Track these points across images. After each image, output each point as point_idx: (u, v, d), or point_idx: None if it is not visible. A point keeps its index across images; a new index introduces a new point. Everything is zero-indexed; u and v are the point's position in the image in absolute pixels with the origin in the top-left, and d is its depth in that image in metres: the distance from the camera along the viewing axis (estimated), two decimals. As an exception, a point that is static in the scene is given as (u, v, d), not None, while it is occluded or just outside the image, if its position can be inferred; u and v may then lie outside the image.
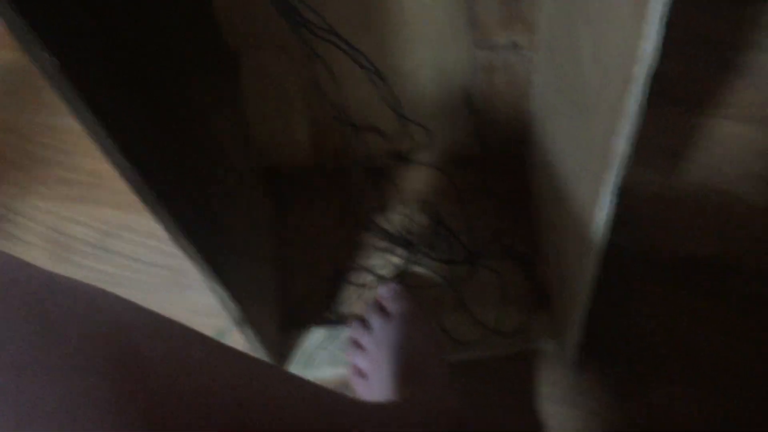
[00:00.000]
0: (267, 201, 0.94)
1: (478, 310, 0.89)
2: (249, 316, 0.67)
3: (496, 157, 1.03)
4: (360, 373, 0.81)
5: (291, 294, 0.92)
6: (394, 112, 0.58)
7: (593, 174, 0.56)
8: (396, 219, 0.98)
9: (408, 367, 0.74)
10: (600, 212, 0.55)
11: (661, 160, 1.06)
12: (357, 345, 0.83)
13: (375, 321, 0.83)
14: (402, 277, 0.93)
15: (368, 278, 0.93)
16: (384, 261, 0.95)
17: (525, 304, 0.89)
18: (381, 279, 0.93)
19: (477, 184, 1.02)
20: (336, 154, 0.87)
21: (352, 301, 0.92)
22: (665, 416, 0.82)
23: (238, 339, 0.73)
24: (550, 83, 0.72)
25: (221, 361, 0.33)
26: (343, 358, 0.86)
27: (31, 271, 0.26)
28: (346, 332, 0.87)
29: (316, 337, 0.89)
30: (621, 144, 0.46)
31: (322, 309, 0.91)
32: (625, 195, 1.00)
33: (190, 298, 0.95)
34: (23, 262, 0.26)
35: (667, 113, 1.12)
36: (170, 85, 0.58)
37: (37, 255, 1.01)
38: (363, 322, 0.85)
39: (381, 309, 0.85)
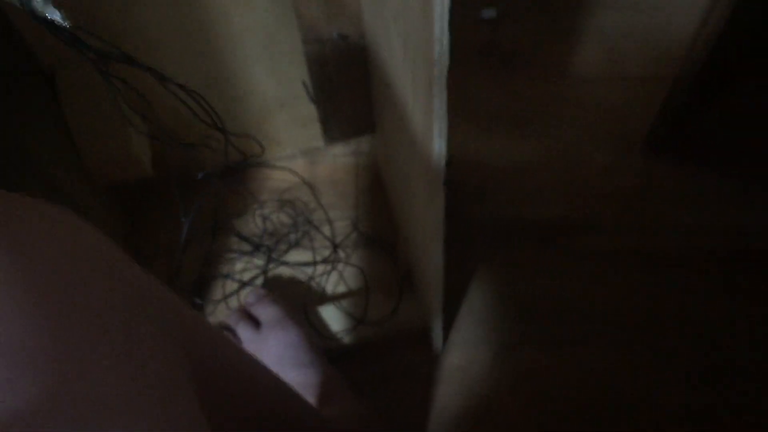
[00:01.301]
0: (115, 219, 0.90)
1: (345, 302, 0.89)
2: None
3: (343, 148, 1.04)
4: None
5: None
6: (215, 128, 0.56)
7: (423, 166, 0.56)
8: (254, 222, 0.97)
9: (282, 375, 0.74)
10: (437, 201, 0.56)
11: (508, 128, 1.09)
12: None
13: (244, 331, 0.81)
14: (266, 280, 0.92)
15: (233, 285, 0.91)
16: (247, 265, 0.93)
17: (390, 290, 0.89)
18: (245, 284, 0.91)
19: (328, 175, 1.02)
20: (179, 165, 0.84)
21: (218, 310, 0.89)
22: (535, 379, 0.86)
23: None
24: (377, 75, 0.72)
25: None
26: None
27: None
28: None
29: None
30: (436, 144, 0.46)
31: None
32: (476, 168, 1.05)
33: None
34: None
35: (511, 82, 1.16)
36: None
37: None
38: (232, 332, 0.83)
39: (248, 317, 0.83)
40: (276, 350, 0.77)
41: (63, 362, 0.22)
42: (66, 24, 0.42)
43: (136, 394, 0.24)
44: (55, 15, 0.41)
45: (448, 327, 0.89)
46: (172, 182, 0.61)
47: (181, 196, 0.80)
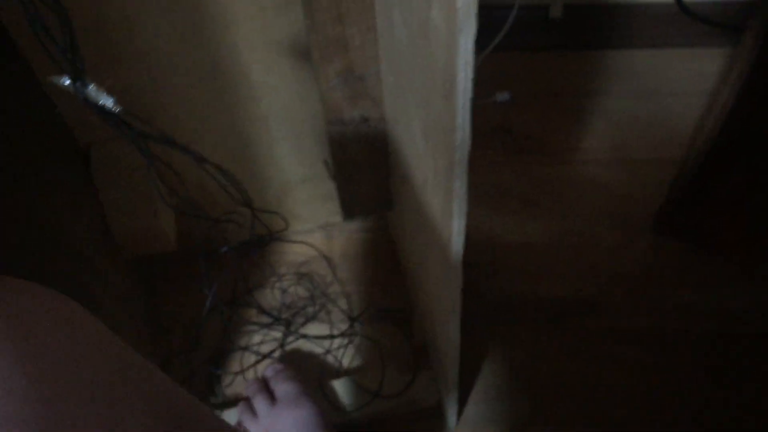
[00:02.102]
0: (137, 291, 0.92)
1: (360, 376, 0.90)
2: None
3: (360, 224, 1.07)
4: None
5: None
6: (245, 204, 0.60)
7: (441, 245, 0.59)
8: (272, 294, 0.99)
9: None
10: (455, 279, 0.58)
11: (519, 208, 1.13)
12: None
13: (260, 406, 0.82)
14: (283, 353, 0.93)
15: (250, 357, 0.93)
16: (265, 338, 0.95)
17: (405, 364, 0.91)
18: (263, 357, 0.92)
19: (345, 250, 1.04)
20: (202, 240, 0.87)
21: (236, 382, 0.91)
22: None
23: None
24: (397, 156, 0.76)
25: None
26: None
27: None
28: (232, 416, 0.86)
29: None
30: (455, 224, 0.48)
31: (205, 394, 0.90)
32: (488, 247, 1.07)
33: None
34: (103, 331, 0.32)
35: (523, 163, 1.20)
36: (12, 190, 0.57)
37: None
38: (249, 404, 0.84)
39: (265, 389, 0.85)
40: (290, 428, 0.78)
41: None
42: (116, 110, 0.46)
43: None
44: (107, 101, 0.45)
45: (461, 403, 0.90)
46: (199, 256, 0.63)
47: (205, 269, 0.83)
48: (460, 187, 0.45)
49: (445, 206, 0.50)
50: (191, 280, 0.83)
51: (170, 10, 0.70)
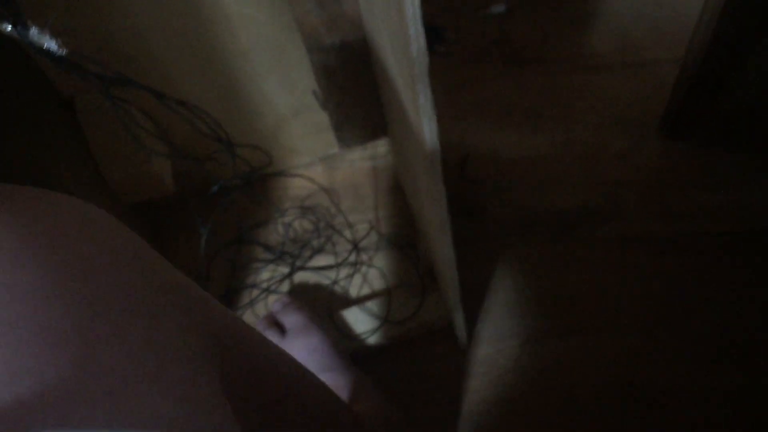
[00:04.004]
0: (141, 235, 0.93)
1: (369, 303, 0.90)
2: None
3: (360, 153, 1.06)
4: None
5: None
6: (219, 141, 0.59)
7: (422, 157, 0.57)
8: (277, 230, 0.99)
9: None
10: (438, 195, 0.57)
11: (522, 121, 1.10)
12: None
13: (270, 339, 0.83)
14: (291, 287, 0.94)
15: (259, 294, 0.94)
16: (273, 273, 0.95)
17: (413, 288, 0.91)
18: (271, 292, 0.93)
19: (347, 180, 1.04)
20: (198, 181, 0.87)
21: (246, 318, 0.92)
22: (561, 369, 0.86)
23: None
24: (382, 79, 0.74)
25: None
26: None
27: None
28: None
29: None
30: (428, 138, 0.47)
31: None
32: (493, 163, 1.05)
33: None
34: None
35: (523, 75, 1.16)
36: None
37: None
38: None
39: (275, 324, 0.86)
40: (301, 355, 0.79)
41: (91, 343, 0.24)
42: (62, 52, 0.45)
43: (160, 375, 0.26)
44: (51, 44, 0.44)
45: (473, 321, 0.90)
46: (188, 197, 0.63)
47: (201, 209, 0.83)
48: (424, 101, 0.44)
49: (417, 121, 0.49)
50: (194, 222, 0.84)
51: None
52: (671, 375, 0.83)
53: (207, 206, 0.84)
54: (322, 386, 0.53)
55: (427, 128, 0.46)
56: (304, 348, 0.80)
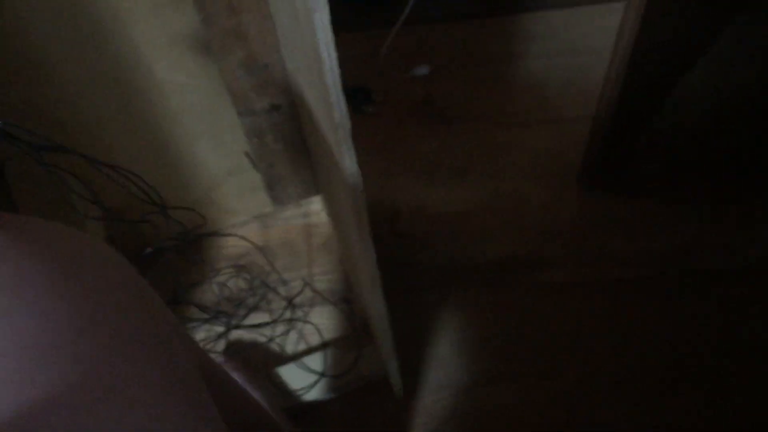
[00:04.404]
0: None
1: (305, 359, 0.91)
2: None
3: (294, 211, 1.08)
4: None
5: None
6: (155, 205, 0.60)
7: (354, 217, 0.60)
8: (212, 290, 1.00)
9: None
10: (367, 249, 0.60)
11: (448, 178, 1.15)
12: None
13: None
14: (227, 346, 0.94)
15: (194, 354, 0.93)
16: (208, 333, 0.95)
17: (350, 343, 0.92)
18: (208, 352, 0.93)
19: (281, 238, 1.05)
20: (132, 244, 0.87)
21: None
22: (501, 415, 0.88)
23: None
24: (313, 139, 0.77)
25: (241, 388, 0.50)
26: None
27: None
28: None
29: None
30: (356, 196, 0.50)
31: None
32: (422, 218, 1.09)
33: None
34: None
35: (448, 133, 1.22)
36: None
37: None
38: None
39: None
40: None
41: (89, 359, 0.25)
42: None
43: (168, 391, 0.28)
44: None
45: (410, 372, 0.92)
46: (148, 254, 0.64)
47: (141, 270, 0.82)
48: (350, 163, 0.47)
49: (343, 178, 0.51)
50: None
51: (61, 16, 0.69)
52: (605, 413, 0.86)
53: (141, 268, 0.84)
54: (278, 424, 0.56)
55: (353, 187, 0.49)
56: (248, 404, 0.80)
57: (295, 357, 0.92)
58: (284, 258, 1.03)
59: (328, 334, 0.94)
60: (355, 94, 1.25)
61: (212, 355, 0.92)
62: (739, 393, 0.87)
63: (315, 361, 0.91)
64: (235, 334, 0.95)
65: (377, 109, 1.25)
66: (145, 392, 0.26)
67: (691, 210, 1.06)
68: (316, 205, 1.08)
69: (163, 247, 0.78)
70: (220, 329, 0.95)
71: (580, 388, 0.89)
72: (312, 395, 0.88)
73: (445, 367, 0.93)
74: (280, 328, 0.95)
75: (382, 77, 1.31)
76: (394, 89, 1.29)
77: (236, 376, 0.84)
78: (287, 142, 0.85)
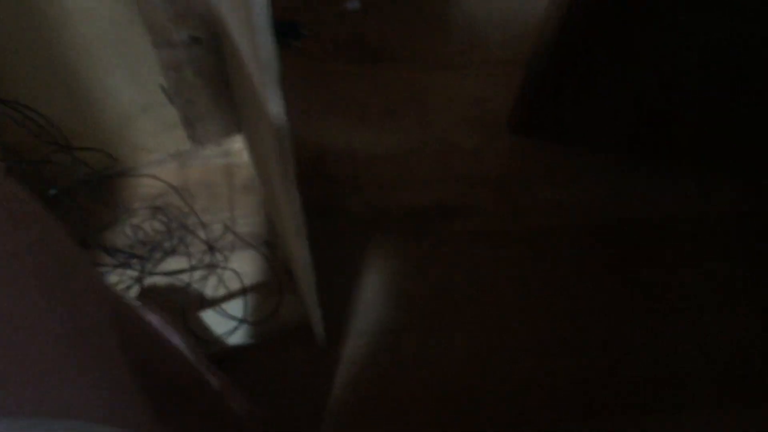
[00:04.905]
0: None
1: (226, 306, 0.88)
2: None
3: (214, 150, 1.03)
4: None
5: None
6: (58, 145, 0.55)
7: (277, 158, 0.56)
8: (126, 233, 0.94)
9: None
10: (293, 203, 0.56)
11: (378, 120, 1.11)
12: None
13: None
14: (141, 291, 0.90)
15: (106, 299, 0.89)
16: (122, 278, 0.91)
17: (271, 289, 0.90)
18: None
19: (201, 179, 1.00)
20: (36, 184, 0.80)
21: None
22: (421, 364, 0.88)
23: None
24: (235, 76, 0.72)
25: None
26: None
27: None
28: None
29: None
30: (284, 140, 0.46)
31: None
32: (349, 161, 1.06)
33: None
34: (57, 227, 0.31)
35: (379, 73, 1.18)
36: None
37: None
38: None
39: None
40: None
41: (10, 329, 0.23)
42: None
43: (67, 349, 0.25)
44: None
45: (333, 319, 0.91)
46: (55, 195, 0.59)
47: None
48: (276, 108, 0.43)
49: (268, 120, 0.48)
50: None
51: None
52: (523, 366, 0.87)
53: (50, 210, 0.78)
54: (202, 374, 0.53)
55: (279, 134, 0.46)
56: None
57: (215, 302, 0.89)
58: (203, 199, 0.99)
59: (249, 279, 0.91)
60: (282, 28, 1.19)
61: (127, 300, 0.88)
62: (649, 349, 0.89)
63: (235, 306, 0.88)
64: (151, 279, 0.91)
65: (305, 44, 1.20)
66: (37, 339, 0.24)
67: (616, 159, 1.07)
68: (237, 144, 1.04)
69: (69, 188, 0.72)
70: (134, 274, 0.91)
71: (497, 341, 0.90)
72: (232, 341, 0.86)
73: (368, 314, 0.92)
74: (198, 273, 0.91)
75: (310, 10, 1.24)
76: (323, 24, 1.23)
77: (153, 320, 0.81)
78: (208, 77, 0.80)
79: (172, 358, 0.51)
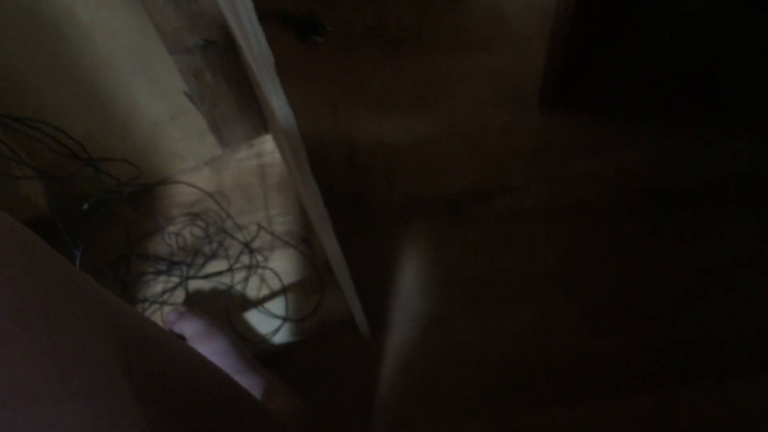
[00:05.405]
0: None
1: (269, 304, 0.89)
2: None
3: (246, 152, 1.03)
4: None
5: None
6: (81, 159, 0.56)
7: (292, 152, 0.56)
8: (167, 241, 0.96)
9: None
10: (314, 195, 0.56)
11: (405, 106, 1.10)
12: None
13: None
14: (186, 296, 0.91)
15: (154, 307, 0.90)
16: (166, 285, 0.92)
17: (312, 285, 0.90)
18: (165, 305, 0.90)
19: (235, 182, 1.01)
20: (71, 199, 0.82)
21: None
22: (468, 349, 0.87)
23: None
24: (252, 75, 0.72)
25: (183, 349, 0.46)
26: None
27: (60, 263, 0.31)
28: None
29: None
30: (292, 134, 0.46)
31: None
32: (380, 150, 1.05)
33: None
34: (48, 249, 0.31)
35: (402, 59, 1.17)
36: None
37: None
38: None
39: (173, 335, 0.83)
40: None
41: None
42: None
43: (58, 377, 0.24)
44: None
45: (376, 310, 0.90)
46: (54, 218, 0.60)
47: (75, 229, 0.78)
48: (278, 100, 0.43)
49: (276, 121, 0.47)
50: (77, 239, 0.80)
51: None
52: (576, 342, 0.85)
53: (84, 224, 0.80)
54: (233, 383, 0.52)
55: (285, 125, 0.45)
56: (209, 353, 0.78)
57: (258, 303, 0.90)
58: (239, 202, 0.99)
59: (290, 277, 0.91)
60: (304, 24, 1.19)
61: (170, 308, 0.90)
62: (703, 316, 0.86)
63: (278, 305, 0.89)
64: (194, 284, 0.92)
65: (327, 38, 1.19)
66: (42, 393, 0.24)
67: (653, 126, 1.04)
68: (269, 144, 1.04)
69: (103, 201, 0.74)
70: (178, 280, 0.92)
71: (546, 319, 0.88)
72: (278, 340, 0.86)
73: (410, 302, 0.91)
74: (240, 275, 0.92)
75: (331, 3, 1.24)
76: (343, 16, 1.23)
77: (199, 324, 0.82)
78: (228, 79, 0.80)
79: (211, 376, 0.50)
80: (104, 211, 0.74)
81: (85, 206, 0.68)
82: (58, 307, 0.28)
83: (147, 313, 0.90)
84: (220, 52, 0.75)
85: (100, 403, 0.26)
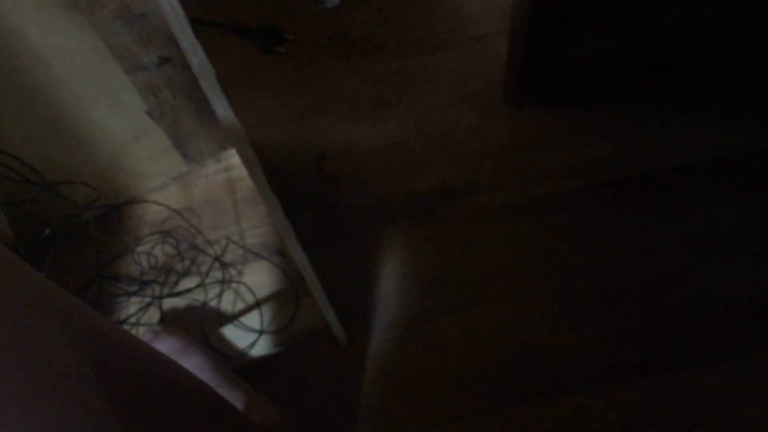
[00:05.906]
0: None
1: (244, 319, 0.88)
2: None
3: (214, 166, 1.03)
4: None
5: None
6: (35, 184, 0.55)
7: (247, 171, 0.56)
8: (138, 260, 0.95)
9: None
10: (273, 206, 0.56)
11: (372, 111, 1.10)
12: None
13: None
14: (161, 316, 0.90)
15: (129, 329, 0.89)
16: (140, 305, 0.92)
17: (286, 296, 0.89)
18: (140, 325, 0.89)
19: (205, 197, 1.01)
20: (32, 225, 0.82)
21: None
22: (447, 348, 0.87)
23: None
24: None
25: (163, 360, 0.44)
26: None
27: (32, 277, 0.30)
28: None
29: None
30: (242, 146, 0.46)
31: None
32: (349, 157, 1.05)
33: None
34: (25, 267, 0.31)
35: (367, 65, 1.17)
36: None
37: None
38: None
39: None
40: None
41: None
42: None
43: (27, 387, 0.24)
44: None
45: (355, 317, 0.90)
46: (16, 243, 0.59)
47: (40, 254, 0.77)
48: (224, 112, 0.42)
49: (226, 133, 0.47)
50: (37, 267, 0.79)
51: None
52: (554, 334, 0.85)
53: (48, 249, 0.79)
54: (214, 393, 0.52)
55: (234, 137, 0.45)
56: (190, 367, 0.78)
57: (233, 317, 0.89)
58: (210, 217, 0.99)
59: (265, 289, 0.91)
60: (266, 36, 1.18)
61: (144, 328, 0.89)
62: (680, 301, 0.87)
63: (253, 319, 0.88)
64: (169, 302, 0.91)
65: (289, 48, 1.19)
66: (11, 405, 0.23)
67: (621, 115, 1.04)
68: (236, 158, 1.03)
69: (65, 225, 0.73)
70: (150, 300, 0.91)
71: (523, 312, 0.88)
72: (255, 353, 0.86)
73: (388, 305, 0.91)
74: (213, 291, 0.92)
75: (290, 13, 1.24)
76: (306, 24, 1.22)
77: (175, 342, 0.81)
78: (188, 95, 0.80)
79: (190, 387, 0.49)
80: (67, 236, 0.73)
81: (47, 231, 0.68)
82: (29, 317, 0.27)
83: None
84: (177, 69, 0.75)
85: (71, 411, 0.26)
